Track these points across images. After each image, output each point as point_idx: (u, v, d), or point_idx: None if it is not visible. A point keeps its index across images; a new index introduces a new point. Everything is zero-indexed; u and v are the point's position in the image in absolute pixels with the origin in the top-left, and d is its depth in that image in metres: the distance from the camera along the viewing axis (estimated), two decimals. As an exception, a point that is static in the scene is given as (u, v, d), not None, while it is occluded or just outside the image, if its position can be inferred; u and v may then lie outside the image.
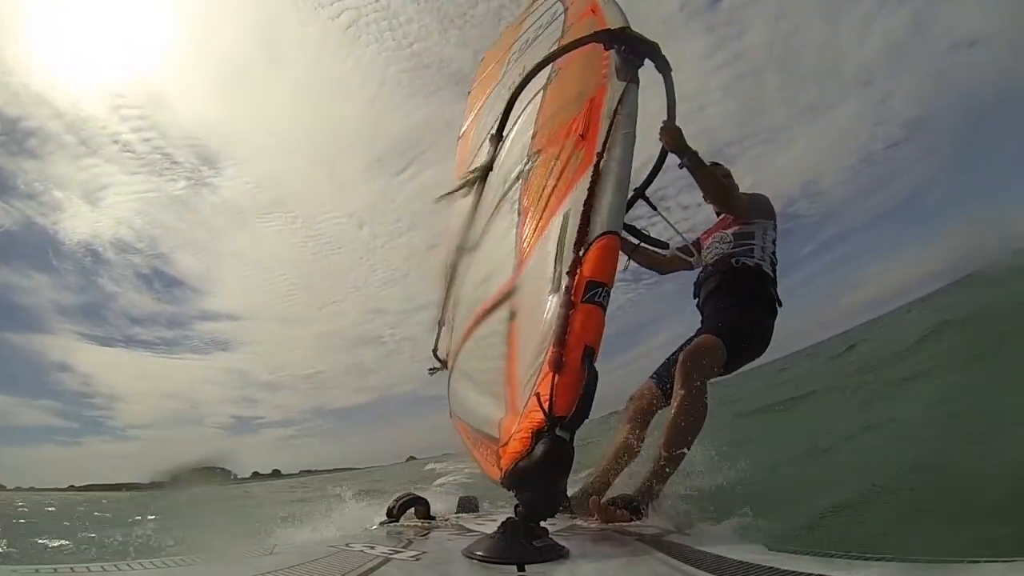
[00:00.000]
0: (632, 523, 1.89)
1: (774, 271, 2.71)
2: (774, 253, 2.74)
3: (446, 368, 3.87)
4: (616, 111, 1.89)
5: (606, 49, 2.09)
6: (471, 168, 3.18)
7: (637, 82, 1.99)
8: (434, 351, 4.36)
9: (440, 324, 4.22)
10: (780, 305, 2.69)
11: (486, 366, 2.08)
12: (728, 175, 2.97)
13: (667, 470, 2.17)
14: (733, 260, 2.68)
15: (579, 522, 1.97)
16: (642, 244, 2.94)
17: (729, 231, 2.78)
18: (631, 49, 2.02)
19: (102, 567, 0.93)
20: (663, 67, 2.17)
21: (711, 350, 2.41)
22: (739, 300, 2.62)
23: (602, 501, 2.02)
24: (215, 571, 1.14)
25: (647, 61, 2.08)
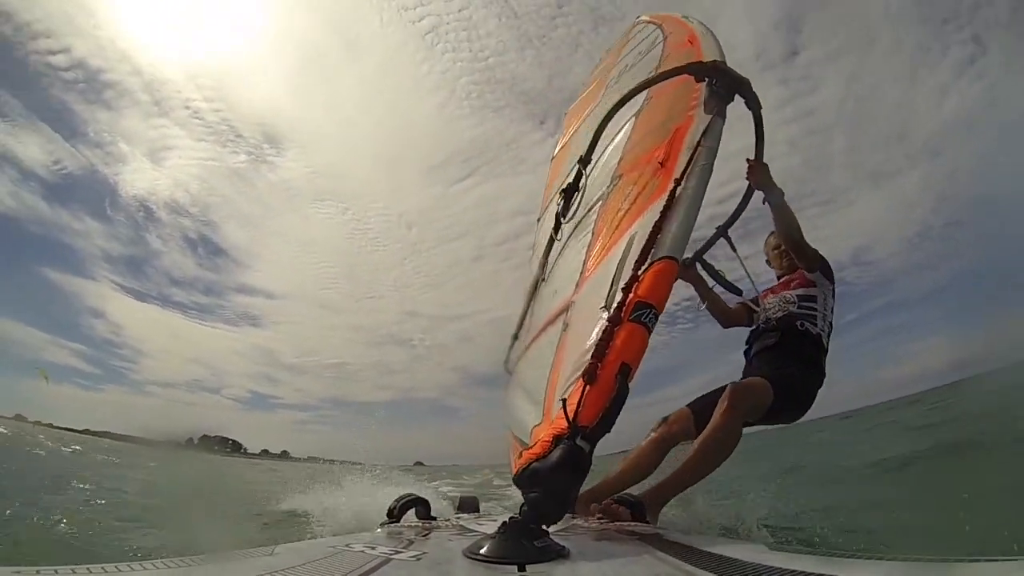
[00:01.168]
0: (632, 523, 1.85)
1: (828, 340, 2.68)
2: (831, 323, 2.71)
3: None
4: (699, 143, 1.90)
5: (697, 81, 2.10)
6: (560, 188, 3.27)
7: (723, 116, 1.98)
8: (505, 363, 4.44)
9: (514, 338, 4.30)
10: (824, 376, 2.64)
11: (535, 375, 2.12)
12: None
13: (679, 488, 2.21)
14: (798, 323, 2.65)
15: (579, 522, 1.94)
16: (715, 286, 2.92)
17: (793, 292, 2.75)
18: (721, 83, 2.02)
19: (103, 567, 0.95)
20: (753, 104, 2.15)
21: (761, 390, 2.39)
22: (796, 363, 2.59)
23: (603, 501, 2.03)
24: (215, 571, 1.16)
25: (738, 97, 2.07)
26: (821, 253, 2.80)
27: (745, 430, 2.59)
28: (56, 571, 0.90)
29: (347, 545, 1.33)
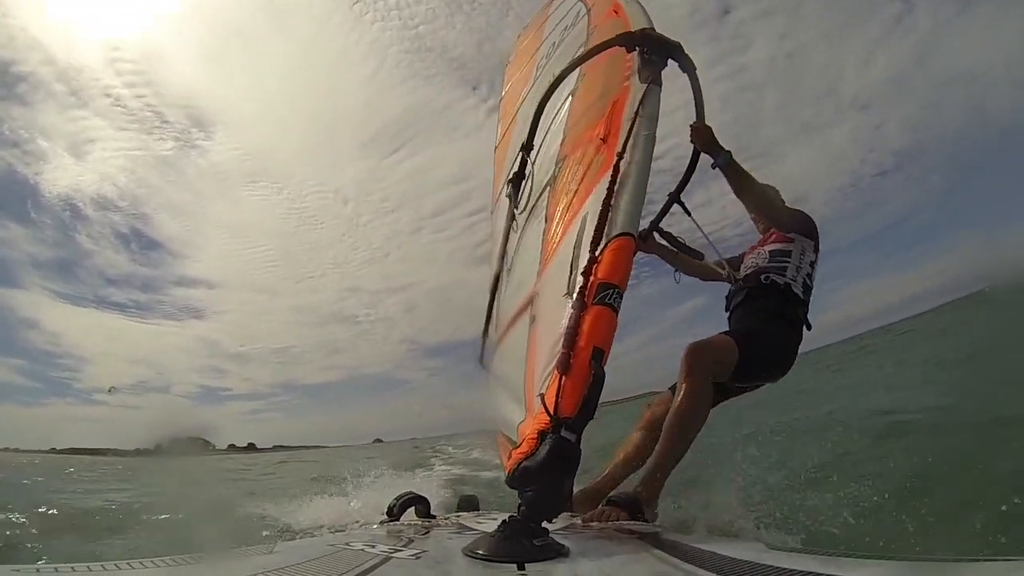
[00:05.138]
0: (632, 522, 1.85)
1: (807, 293, 2.61)
2: (809, 275, 2.63)
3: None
4: (637, 112, 1.87)
5: (628, 52, 2.07)
6: (506, 179, 3.22)
7: (659, 83, 1.96)
8: (480, 359, 4.41)
9: (484, 336, 4.27)
10: (809, 328, 2.59)
11: (511, 371, 2.09)
12: (777, 194, 2.88)
13: (664, 469, 2.11)
14: (763, 276, 2.59)
15: (579, 520, 1.94)
16: (680, 254, 2.90)
17: (766, 248, 2.70)
18: (652, 50, 1.99)
19: (102, 566, 0.94)
20: (687, 66, 2.12)
21: (719, 348, 2.34)
22: (762, 315, 2.54)
23: (602, 500, 2.01)
24: (215, 571, 1.15)
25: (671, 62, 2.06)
26: (800, 210, 2.75)
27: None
28: (56, 570, 0.89)
29: (347, 543, 1.31)
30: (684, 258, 2.96)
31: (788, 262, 2.60)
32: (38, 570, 0.91)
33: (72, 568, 0.91)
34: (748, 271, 2.69)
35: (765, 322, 2.52)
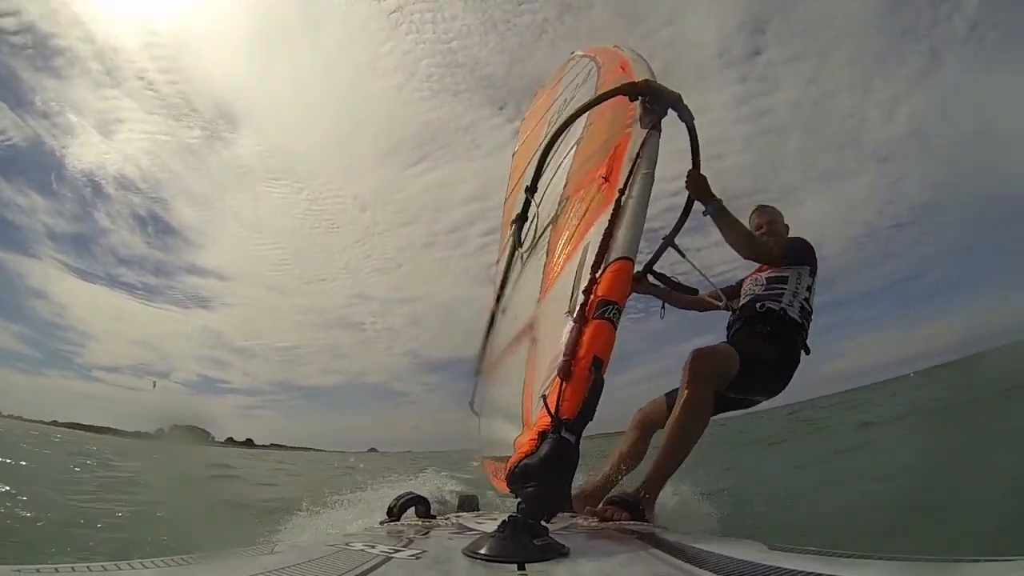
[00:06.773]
0: (631, 522, 1.84)
1: (804, 317, 2.67)
2: (807, 299, 2.70)
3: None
4: (638, 155, 2.01)
5: (631, 101, 2.24)
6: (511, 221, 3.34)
7: (659, 129, 2.11)
8: (470, 403, 4.38)
9: (477, 375, 4.27)
10: (808, 352, 2.65)
11: (508, 394, 2.14)
12: (777, 218, 3.06)
13: (666, 472, 2.16)
14: (758, 304, 2.67)
15: (579, 520, 1.93)
16: (673, 292, 3.00)
17: (763, 275, 2.79)
18: (653, 99, 2.16)
19: (103, 567, 0.93)
20: (686, 116, 2.28)
21: (722, 355, 2.40)
22: (759, 338, 2.60)
23: (602, 500, 2.03)
24: (215, 571, 1.14)
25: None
26: (797, 238, 2.87)
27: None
28: (57, 570, 0.88)
29: (347, 544, 1.29)
30: (675, 296, 3.06)
31: (784, 288, 2.67)
32: (38, 570, 0.90)
33: (72, 568, 0.91)
34: (746, 299, 2.78)
35: (763, 343, 2.58)
